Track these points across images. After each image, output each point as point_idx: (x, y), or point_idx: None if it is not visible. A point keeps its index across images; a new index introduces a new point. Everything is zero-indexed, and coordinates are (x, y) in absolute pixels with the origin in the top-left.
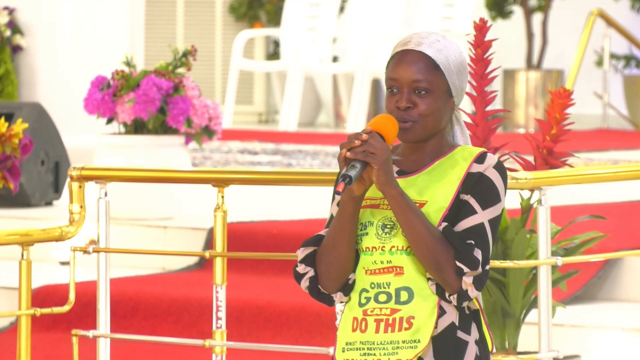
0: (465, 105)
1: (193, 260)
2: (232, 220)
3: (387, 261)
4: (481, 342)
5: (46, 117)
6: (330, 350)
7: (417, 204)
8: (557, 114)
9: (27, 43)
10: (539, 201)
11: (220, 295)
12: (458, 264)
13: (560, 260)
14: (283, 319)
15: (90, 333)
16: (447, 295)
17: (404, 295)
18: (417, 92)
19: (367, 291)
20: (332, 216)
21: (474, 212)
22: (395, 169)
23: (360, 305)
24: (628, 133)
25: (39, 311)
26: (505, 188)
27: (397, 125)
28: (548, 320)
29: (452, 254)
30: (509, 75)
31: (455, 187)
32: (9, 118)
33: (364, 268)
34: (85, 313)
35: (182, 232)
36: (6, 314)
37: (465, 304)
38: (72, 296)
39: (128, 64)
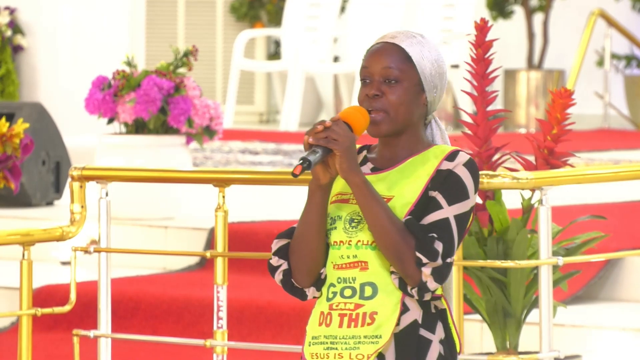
0: (466, 105)
1: (194, 260)
2: (233, 220)
3: (353, 256)
4: (447, 342)
5: (47, 117)
6: None
7: (385, 199)
8: (558, 113)
9: (28, 43)
10: (540, 201)
11: (221, 295)
12: (417, 254)
13: (561, 260)
14: (284, 319)
15: (91, 333)
16: (409, 288)
17: (368, 291)
18: (387, 81)
19: (334, 286)
20: None
21: (440, 207)
22: (370, 166)
23: (328, 299)
24: (629, 133)
25: (40, 311)
26: (476, 186)
27: (367, 116)
28: (549, 320)
29: (413, 245)
30: (510, 75)
31: (423, 183)
32: (10, 118)
33: (332, 262)
34: (86, 313)
35: (183, 232)
36: (7, 314)
37: (431, 301)
38: (73, 296)
39: (129, 64)
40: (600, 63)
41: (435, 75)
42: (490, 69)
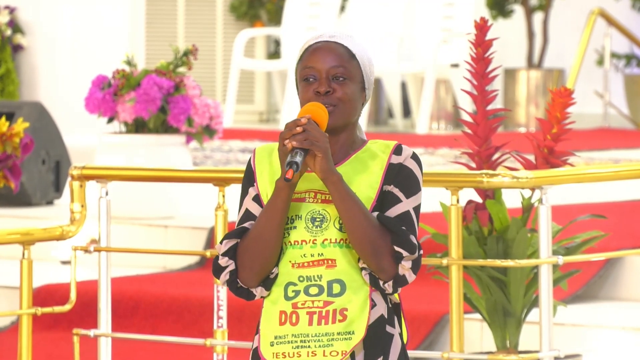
0: (466, 105)
1: (194, 259)
2: (232, 220)
3: (319, 254)
4: (402, 336)
5: (47, 116)
6: None
7: None
8: (558, 113)
9: (28, 42)
10: (540, 200)
11: (221, 295)
12: (397, 248)
13: (561, 259)
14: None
15: (92, 332)
16: (381, 283)
17: (336, 288)
18: (335, 79)
19: (294, 284)
20: (247, 211)
21: (398, 200)
22: None
23: (288, 298)
24: (629, 132)
25: (40, 310)
26: (422, 177)
27: (326, 111)
28: (549, 320)
29: (389, 239)
30: (510, 75)
31: (379, 178)
32: (10, 117)
33: (290, 262)
34: (86, 312)
35: (183, 231)
36: (7, 313)
37: (388, 296)
38: (73, 295)
39: (129, 63)
40: (600, 62)
41: (372, 74)
42: (490, 68)
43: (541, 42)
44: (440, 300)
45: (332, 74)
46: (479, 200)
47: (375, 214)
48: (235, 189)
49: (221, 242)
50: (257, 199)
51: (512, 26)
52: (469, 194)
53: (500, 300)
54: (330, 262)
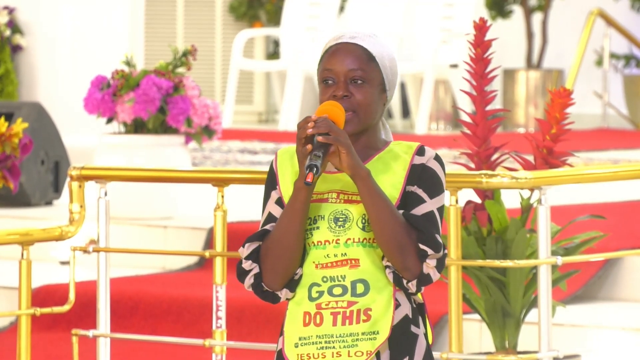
0: (465, 105)
1: (193, 259)
2: (232, 220)
3: (342, 254)
4: (426, 336)
5: (46, 116)
6: None
7: None
8: (557, 113)
9: (27, 43)
10: (539, 201)
11: (220, 295)
12: (422, 246)
13: (560, 260)
14: (283, 319)
15: (90, 333)
16: (405, 282)
17: (359, 288)
18: (353, 82)
19: (318, 285)
20: (270, 214)
21: (422, 201)
22: None
23: (312, 299)
24: (628, 132)
25: (39, 311)
26: (445, 179)
27: (343, 110)
28: (548, 320)
29: (415, 238)
30: (509, 75)
31: (402, 178)
32: (9, 118)
33: (314, 262)
34: (85, 313)
35: (182, 231)
36: (6, 314)
37: (411, 296)
38: (72, 296)
39: (128, 63)
40: (599, 62)
41: (394, 74)
42: (489, 69)
43: (540, 43)
44: (439, 300)
45: (350, 77)
46: (478, 200)
47: (403, 212)
48: (234, 190)
49: (243, 246)
50: (279, 202)
51: (512, 27)
52: (468, 195)
53: (499, 301)
54: (353, 261)
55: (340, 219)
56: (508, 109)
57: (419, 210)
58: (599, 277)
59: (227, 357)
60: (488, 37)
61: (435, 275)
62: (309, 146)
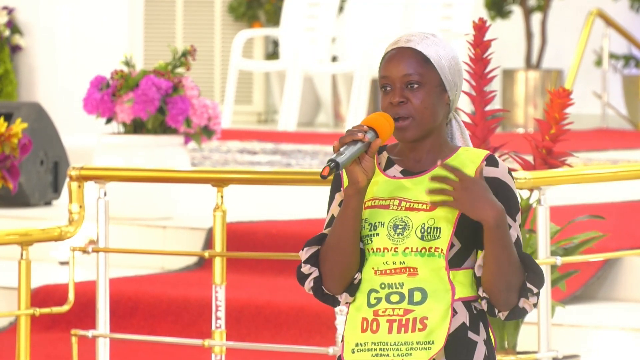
0: (465, 105)
1: (192, 260)
2: (231, 220)
3: (400, 262)
4: (488, 342)
5: (45, 117)
6: (330, 350)
7: (427, 205)
8: (556, 113)
9: (26, 43)
10: (538, 201)
11: (219, 295)
12: (529, 285)
13: (559, 260)
14: (282, 319)
15: (90, 333)
16: (496, 311)
17: (417, 296)
18: (409, 86)
19: (377, 291)
20: (332, 217)
21: (509, 226)
22: (399, 168)
23: (370, 305)
24: (627, 133)
25: (38, 311)
26: None
27: (392, 122)
28: (547, 320)
29: (524, 277)
30: (508, 75)
31: None
32: (8, 118)
33: (373, 268)
34: (84, 313)
35: (181, 232)
36: (5, 314)
37: (472, 303)
38: (71, 296)
39: (127, 63)
40: (599, 63)
41: (454, 74)
42: (488, 69)
43: (539, 43)
44: None
45: (405, 82)
46: None
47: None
48: (234, 190)
49: (303, 249)
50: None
51: (511, 27)
52: None
53: None
54: (411, 270)
55: (400, 227)
56: (507, 109)
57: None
58: (598, 277)
59: (226, 357)
60: (487, 37)
61: (530, 309)
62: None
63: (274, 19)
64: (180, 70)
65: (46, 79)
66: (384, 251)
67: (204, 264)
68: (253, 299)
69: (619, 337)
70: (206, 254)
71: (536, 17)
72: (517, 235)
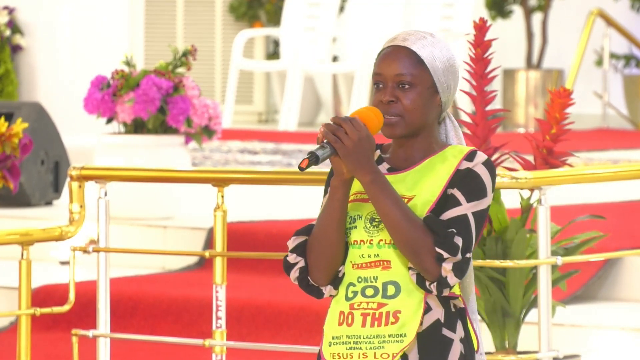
0: (465, 105)
1: (193, 260)
2: (232, 220)
3: (375, 255)
4: (466, 341)
5: (46, 116)
6: None
7: (405, 199)
8: (557, 113)
9: (27, 43)
10: (539, 201)
11: (220, 295)
12: (437, 249)
13: (560, 260)
14: (283, 319)
15: (90, 333)
16: (427, 284)
17: (390, 290)
18: (400, 86)
19: (354, 285)
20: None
21: (458, 203)
22: (386, 166)
23: (347, 299)
24: (628, 133)
25: (38, 311)
26: (493, 186)
27: (381, 117)
28: (548, 320)
29: (432, 240)
30: (509, 75)
31: (443, 182)
32: (9, 118)
33: (351, 262)
34: (85, 313)
35: (181, 231)
36: (6, 314)
37: (450, 300)
38: (72, 296)
39: (128, 63)
40: (599, 63)
41: (448, 76)
42: (489, 69)
43: (540, 43)
44: None
45: (397, 81)
46: None
47: (425, 215)
48: (234, 190)
49: (291, 239)
50: None
51: (511, 27)
52: None
53: (499, 301)
54: (385, 263)
55: (376, 220)
56: (508, 109)
57: (451, 213)
58: (598, 277)
59: (226, 357)
60: (488, 37)
61: (452, 280)
62: (322, 129)
63: (274, 19)
64: (181, 70)
65: (47, 79)
66: (360, 243)
67: (204, 263)
68: (253, 299)
69: (620, 337)
70: (207, 254)
71: (537, 17)
72: (465, 214)
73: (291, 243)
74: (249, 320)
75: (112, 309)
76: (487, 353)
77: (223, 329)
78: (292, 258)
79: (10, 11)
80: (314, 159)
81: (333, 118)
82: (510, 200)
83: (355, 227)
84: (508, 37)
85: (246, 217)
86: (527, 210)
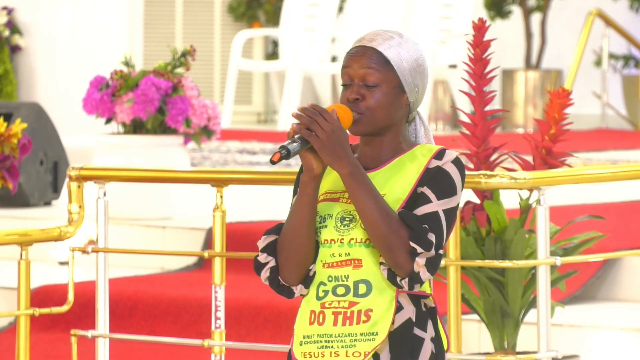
0: (464, 105)
1: (192, 260)
2: (231, 220)
3: (346, 254)
4: (437, 340)
5: (45, 117)
6: None
7: None
8: (556, 113)
9: (26, 43)
10: (538, 201)
11: (219, 295)
12: (412, 244)
13: (559, 260)
14: (282, 319)
15: (89, 333)
16: (398, 279)
17: (362, 288)
18: (366, 85)
19: (324, 284)
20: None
21: (429, 201)
22: None
23: (318, 298)
24: (627, 133)
25: (37, 311)
26: (463, 184)
27: (350, 114)
28: (547, 320)
29: (406, 235)
30: (508, 75)
31: (413, 181)
32: (8, 118)
33: (322, 261)
34: (84, 313)
35: (180, 232)
36: (5, 314)
37: (421, 299)
38: (71, 296)
39: (127, 63)
40: (598, 63)
41: (415, 75)
42: (488, 69)
43: (539, 43)
44: (438, 301)
45: (362, 80)
46: (477, 201)
47: (400, 210)
48: (233, 190)
49: (261, 238)
50: None
51: (510, 27)
52: (467, 195)
53: (498, 301)
54: (356, 262)
55: (347, 219)
56: (507, 109)
57: (422, 210)
58: (597, 277)
59: (225, 357)
60: (487, 37)
61: (424, 275)
62: (294, 124)
63: (273, 19)
64: (179, 70)
65: (46, 79)
66: (331, 242)
67: (203, 264)
68: (253, 299)
69: (619, 337)
70: (206, 254)
71: (536, 17)
72: (436, 211)
73: (261, 243)
74: (248, 321)
75: (111, 309)
76: (486, 353)
77: (222, 329)
78: (262, 258)
79: (9, 11)
80: (285, 152)
81: (300, 108)
82: (509, 200)
83: (326, 226)
84: (507, 37)
85: (245, 218)
86: (526, 210)
